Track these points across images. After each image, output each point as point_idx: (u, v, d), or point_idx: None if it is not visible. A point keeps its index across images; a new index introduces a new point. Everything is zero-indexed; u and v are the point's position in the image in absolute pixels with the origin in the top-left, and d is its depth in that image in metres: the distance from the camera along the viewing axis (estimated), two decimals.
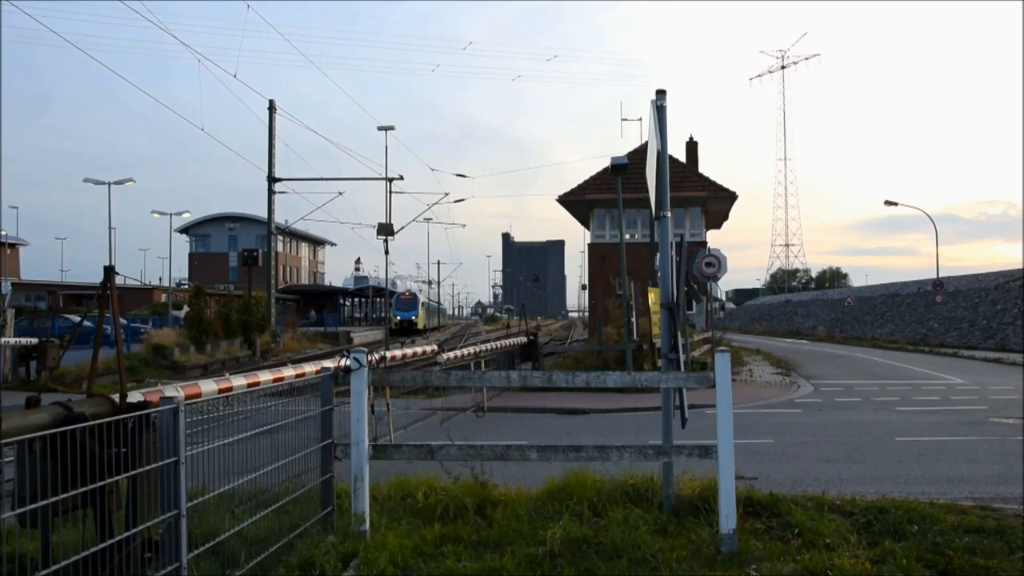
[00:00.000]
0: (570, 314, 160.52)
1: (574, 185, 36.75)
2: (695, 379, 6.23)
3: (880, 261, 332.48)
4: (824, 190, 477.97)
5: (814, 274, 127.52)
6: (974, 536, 5.98)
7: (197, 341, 30.93)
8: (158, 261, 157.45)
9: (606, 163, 25.89)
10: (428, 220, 60.61)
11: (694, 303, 24.89)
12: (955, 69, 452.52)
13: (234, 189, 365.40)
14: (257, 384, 9.19)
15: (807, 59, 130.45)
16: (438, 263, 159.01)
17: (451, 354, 16.33)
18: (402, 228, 74.72)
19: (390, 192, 41.75)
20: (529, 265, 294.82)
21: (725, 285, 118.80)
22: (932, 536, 5.94)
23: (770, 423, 14.00)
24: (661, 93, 6.76)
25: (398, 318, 63.84)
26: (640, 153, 30.35)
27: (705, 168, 74.44)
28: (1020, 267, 40.67)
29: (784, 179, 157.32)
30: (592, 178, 36.57)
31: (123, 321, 28.73)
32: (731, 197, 35.86)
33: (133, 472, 4.15)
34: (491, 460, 6.39)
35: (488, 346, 19.56)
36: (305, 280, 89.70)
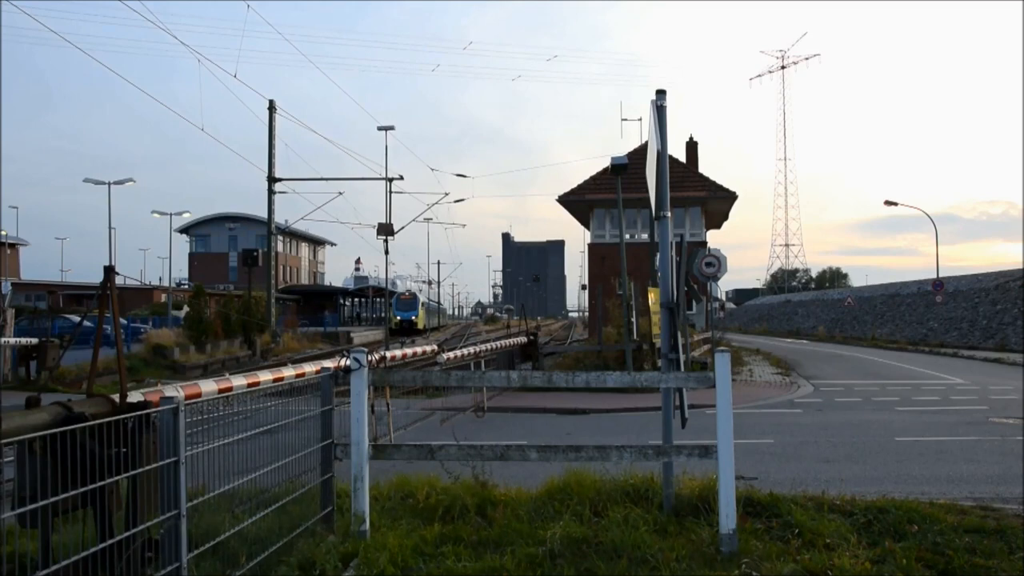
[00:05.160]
0: (570, 314, 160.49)
1: (574, 185, 36.77)
2: (695, 379, 6.23)
3: (880, 261, 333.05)
4: (824, 190, 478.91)
5: (814, 274, 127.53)
6: (974, 536, 5.98)
7: (197, 341, 30.93)
8: (158, 261, 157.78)
9: (606, 163, 25.88)
10: (428, 220, 60.69)
11: (694, 303, 24.88)
12: (955, 69, 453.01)
13: (234, 189, 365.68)
14: (257, 384, 9.19)
15: (807, 59, 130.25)
16: (438, 263, 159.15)
17: (451, 354, 16.33)
18: (402, 228, 74.85)
19: (390, 192, 41.84)
20: (529, 265, 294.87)
21: (725, 285, 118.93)
22: (932, 536, 5.93)
23: (770, 423, 14.00)
24: (661, 93, 6.76)
25: (398, 318, 63.84)
26: (640, 153, 30.35)
27: (705, 168, 74.44)
28: (1020, 267, 40.66)
29: (784, 179, 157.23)
30: (592, 178, 36.56)
31: (123, 321, 28.72)
32: (731, 197, 35.85)
33: (133, 472, 4.15)
34: (491, 460, 6.39)
35: (488, 346, 19.55)
36: (305, 280, 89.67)
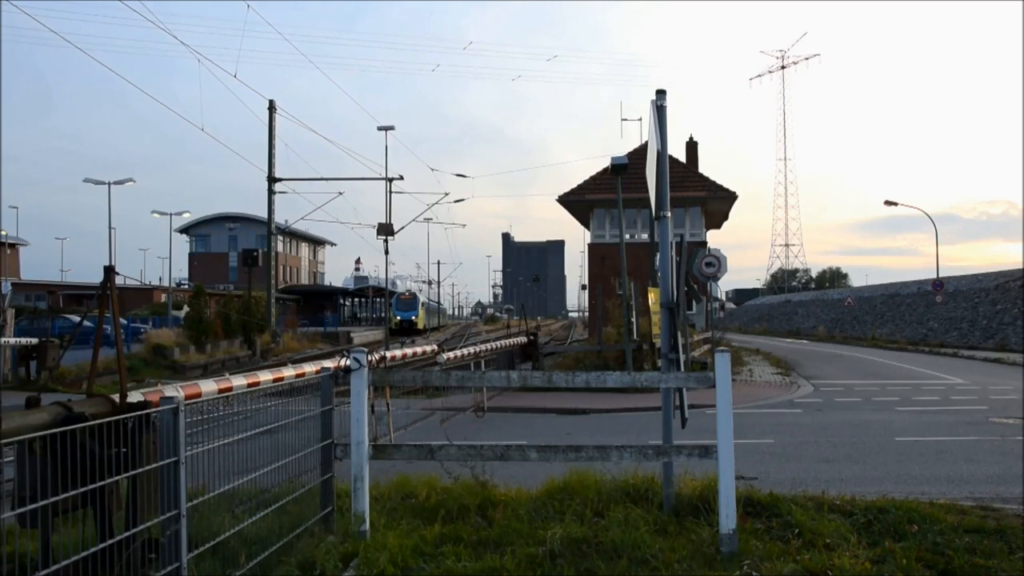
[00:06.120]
0: (570, 314, 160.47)
1: (574, 185, 36.77)
2: (695, 379, 6.23)
3: (880, 261, 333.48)
4: (824, 190, 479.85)
5: (814, 274, 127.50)
6: (974, 536, 5.98)
7: (197, 341, 30.93)
8: (158, 261, 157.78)
9: (606, 163, 25.89)
10: (428, 220, 60.69)
11: (694, 303, 24.87)
12: (955, 69, 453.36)
13: (234, 189, 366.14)
14: (257, 384, 9.19)
15: (807, 59, 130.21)
16: (438, 263, 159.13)
17: (451, 354, 16.33)
18: (402, 228, 74.86)
19: (390, 192, 41.86)
20: (529, 265, 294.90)
21: (725, 285, 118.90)
22: (932, 536, 5.93)
23: (770, 423, 14.00)
24: (661, 93, 6.76)
25: (398, 318, 63.85)
26: (640, 153, 30.34)
27: (705, 168, 74.37)
28: (1020, 267, 40.65)
29: (784, 179, 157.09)
30: (592, 178, 36.56)
31: (123, 321, 28.71)
32: (731, 197, 35.85)
33: (133, 472, 4.15)
34: (491, 460, 6.39)
35: (488, 346, 19.55)
36: (305, 280, 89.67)
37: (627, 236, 28.64)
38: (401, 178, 42.56)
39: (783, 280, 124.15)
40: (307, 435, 5.72)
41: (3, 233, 53.18)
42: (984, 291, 41.41)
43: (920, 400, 17.62)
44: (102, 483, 3.89)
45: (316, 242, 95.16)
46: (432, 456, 6.17)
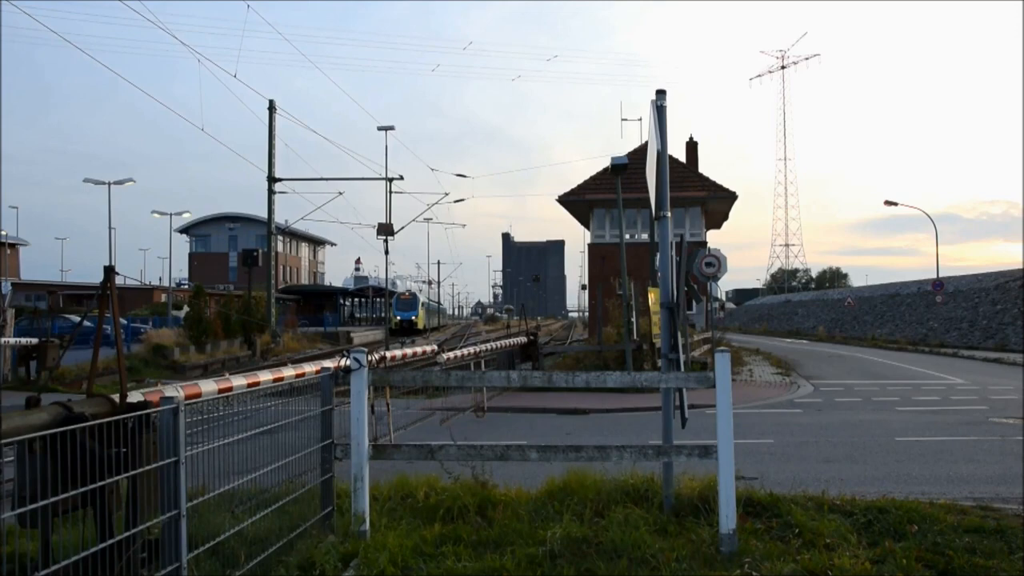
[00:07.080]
0: (570, 314, 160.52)
1: (574, 185, 36.76)
2: (695, 379, 6.23)
3: (880, 261, 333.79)
4: (824, 190, 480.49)
5: (814, 274, 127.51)
6: (974, 536, 5.98)
7: (197, 341, 30.93)
8: (158, 261, 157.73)
9: (606, 163, 25.88)
10: (428, 220, 60.74)
11: (694, 303, 24.88)
12: (955, 69, 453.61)
13: (234, 189, 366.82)
14: (257, 384, 9.18)
15: (807, 59, 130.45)
16: (438, 263, 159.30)
17: (451, 354, 16.32)
18: (402, 228, 74.81)
19: (390, 192, 41.88)
20: (529, 265, 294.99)
21: (725, 285, 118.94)
22: (932, 536, 5.93)
23: (770, 423, 14.00)
24: (661, 93, 6.76)
25: (398, 318, 63.84)
26: (640, 153, 30.34)
27: (705, 168, 74.45)
28: (1020, 267, 40.64)
29: (784, 179, 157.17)
30: (592, 178, 36.54)
31: (123, 321, 28.72)
32: (731, 197, 35.84)
33: (133, 472, 4.15)
34: (491, 460, 6.39)
35: (488, 346, 19.55)
36: (305, 280, 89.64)
37: (627, 236, 28.64)
38: (401, 178, 42.60)
39: (783, 280, 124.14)
40: (307, 435, 5.72)
41: (3, 233, 53.18)
42: (984, 291, 41.40)
43: (920, 400, 17.62)
44: (102, 483, 3.88)
45: (316, 242, 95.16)
46: (432, 456, 6.17)
